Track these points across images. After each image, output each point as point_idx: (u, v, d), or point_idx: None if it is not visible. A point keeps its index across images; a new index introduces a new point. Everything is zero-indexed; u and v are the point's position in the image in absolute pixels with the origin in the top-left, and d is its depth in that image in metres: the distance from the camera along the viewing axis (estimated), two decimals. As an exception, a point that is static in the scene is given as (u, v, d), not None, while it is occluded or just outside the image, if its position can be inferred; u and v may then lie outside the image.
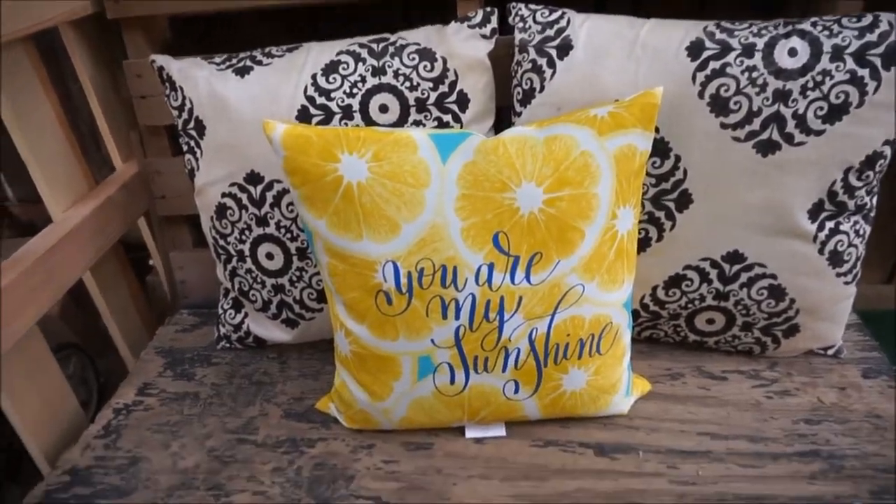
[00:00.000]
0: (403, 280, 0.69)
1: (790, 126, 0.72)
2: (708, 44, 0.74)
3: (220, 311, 0.98)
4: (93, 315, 1.22)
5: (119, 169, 1.06)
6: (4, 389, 0.78)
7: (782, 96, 0.71)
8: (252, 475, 0.77)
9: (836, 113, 0.71)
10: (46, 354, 0.87)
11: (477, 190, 0.67)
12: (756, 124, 0.73)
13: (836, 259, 0.78)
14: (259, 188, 0.83)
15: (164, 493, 0.75)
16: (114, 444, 0.83)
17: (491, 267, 0.69)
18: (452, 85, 0.81)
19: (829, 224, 0.76)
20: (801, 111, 0.72)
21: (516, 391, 0.74)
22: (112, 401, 0.91)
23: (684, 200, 0.78)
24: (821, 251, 0.77)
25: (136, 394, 0.92)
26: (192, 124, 0.85)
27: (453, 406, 0.75)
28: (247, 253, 0.88)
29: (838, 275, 0.79)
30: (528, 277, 0.69)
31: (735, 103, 0.73)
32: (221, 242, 0.89)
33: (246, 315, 0.96)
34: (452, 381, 0.73)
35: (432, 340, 0.71)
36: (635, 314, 0.87)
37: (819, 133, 0.72)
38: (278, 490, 0.75)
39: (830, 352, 0.88)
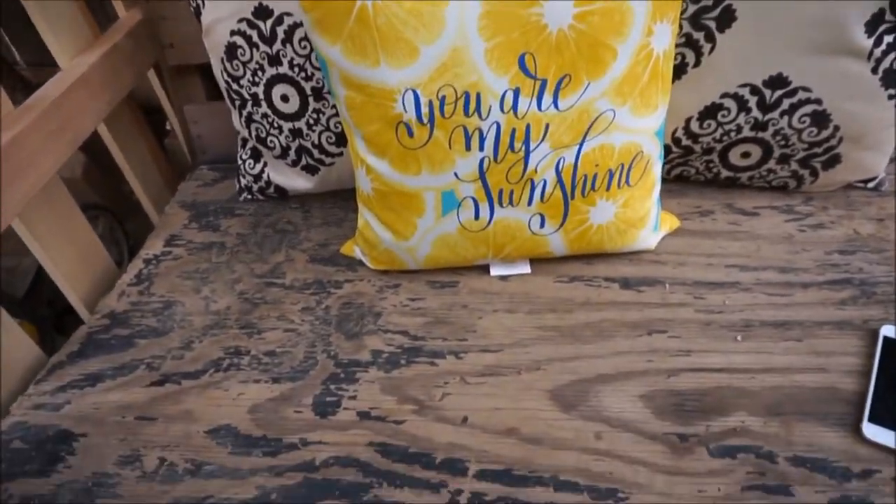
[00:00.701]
0: (424, 109, 0.65)
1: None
2: None
3: (240, 161, 0.96)
4: (116, 179, 1.23)
5: (123, 16, 1.01)
6: (38, 240, 0.79)
7: None
8: (282, 314, 0.79)
9: None
10: (73, 207, 0.88)
11: (501, 5, 0.62)
12: (812, -77, 0.65)
13: (890, 79, 0.72)
14: (269, 23, 0.78)
15: (200, 332, 0.78)
16: (147, 291, 0.85)
17: (517, 92, 0.65)
18: None
19: (888, 38, 0.70)
20: None
21: (542, 225, 0.73)
22: (141, 252, 0.92)
23: (727, 18, 0.72)
24: (874, 70, 0.71)
25: (164, 245, 0.93)
26: (191, -46, 0.79)
27: (478, 242, 0.75)
28: (261, 96, 0.84)
29: (890, 97, 0.74)
30: (555, 103, 0.65)
31: None
32: (234, 87, 0.86)
33: (265, 164, 0.94)
34: (477, 216, 0.72)
35: (456, 174, 0.69)
36: (666, 150, 0.83)
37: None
38: (308, 327, 0.76)
39: (871, 184, 0.85)
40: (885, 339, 0.67)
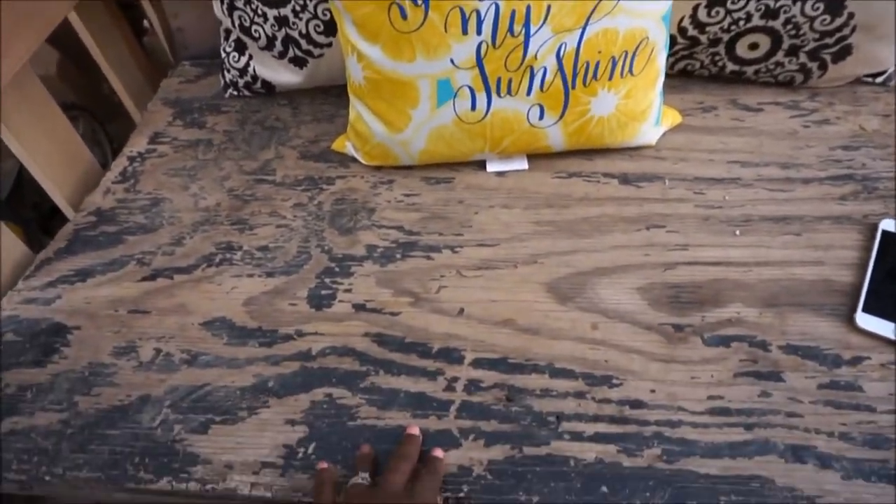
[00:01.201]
0: (418, -13, 0.61)
1: None
2: None
3: (223, 53, 0.91)
4: (94, 79, 1.17)
5: None
6: (17, 138, 0.76)
7: None
8: (274, 211, 0.77)
9: None
10: (50, 102, 0.84)
11: None
12: None
13: (909, -40, 0.68)
14: None
15: (189, 228, 0.76)
16: (133, 188, 0.82)
17: (517, -31, 0.61)
18: None
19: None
20: None
21: (541, 117, 0.70)
22: (125, 149, 0.89)
23: None
24: (894, -51, 0.68)
25: (149, 142, 0.89)
26: None
27: (475, 135, 0.72)
28: (243, -20, 0.79)
29: (908, -19, 0.70)
30: (558, -19, 0.62)
31: None
32: (214, -30, 0.80)
33: (251, 57, 0.89)
34: (473, 107, 0.69)
35: (452, 60, 0.66)
36: (671, 41, 0.79)
37: None
38: (301, 223, 0.75)
39: (879, 79, 0.82)
40: (884, 232, 0.66)
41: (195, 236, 0.75)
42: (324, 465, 0.53)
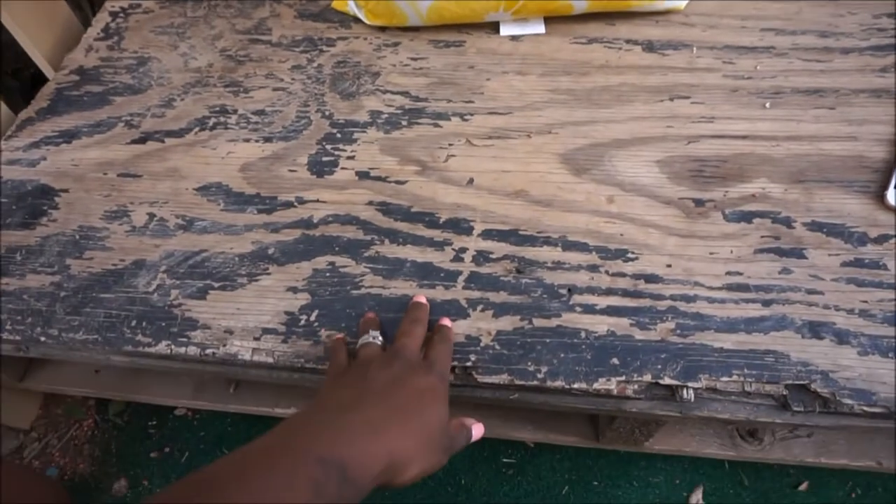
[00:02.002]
0: None
1: None
2: None
3: None
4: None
5: None
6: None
7: None
8: (270, 73, 0.71)
9: None
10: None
11: None
12: None
13: None
14: None
15: (180, 90, 0.71)
16: (118, 46, 0.76)
17: None
18: None
19: None
20: None
21: (564, -30, 0.64)
22: (107, 3, 0.82)
23: None
24: None
25: (132, -3, 0.82)
26: None
27: (489, -10, 0.66)
28: None
29: None
30: None
31: None
32: None
33: None
34: (490, -44, 0.62)
35: None
36: None
37: None
38: (299, 86, 0.70)
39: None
40: (925, 107, 0.62)
41: (186, 98, 0.70)
42: (339, 336, 0.52)
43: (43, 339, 0.54)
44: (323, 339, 0.52)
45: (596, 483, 0.74)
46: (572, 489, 0.75)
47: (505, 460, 0.77)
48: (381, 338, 0.49)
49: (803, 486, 0.74)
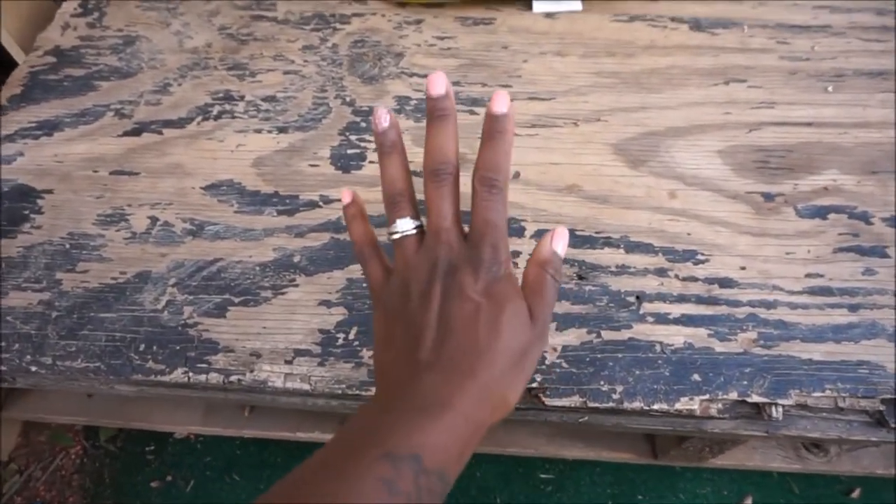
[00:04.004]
0: None
1: None
2: None
3: None
4: None
5: None
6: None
7: None
8: (279, 53, 0.64)
9: None
10: None
11: None
12: None
13: None
14: None
15: (176, 73, 0.63)
16: (99, 23, 0.67)
17: None
18: None
19: None
20: None
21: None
22: (82, -24, 0.72)
23: None
24: None
25: (111, -32, 0.73)
26: None
27: (528, -39, 0.59)
28: None
29: None
30: None
31: None
32: None
33: None
34: (533, -78, 0.56)
35: None
36: None
37: None
38: (314, 69, 0.62)
39: None
40: None
41: (184, 83, 0.62)
42: (347, 196, 0.40)
43: (34, 368, 0.46)
44: (366, 360, 0.46)
45: (640, 497, 0.70)
46: (615, 504, 0.70)
47: (542, 476, 0.71)
48: (414, 222, 0.38)
49: (855, 493, 0.71)
